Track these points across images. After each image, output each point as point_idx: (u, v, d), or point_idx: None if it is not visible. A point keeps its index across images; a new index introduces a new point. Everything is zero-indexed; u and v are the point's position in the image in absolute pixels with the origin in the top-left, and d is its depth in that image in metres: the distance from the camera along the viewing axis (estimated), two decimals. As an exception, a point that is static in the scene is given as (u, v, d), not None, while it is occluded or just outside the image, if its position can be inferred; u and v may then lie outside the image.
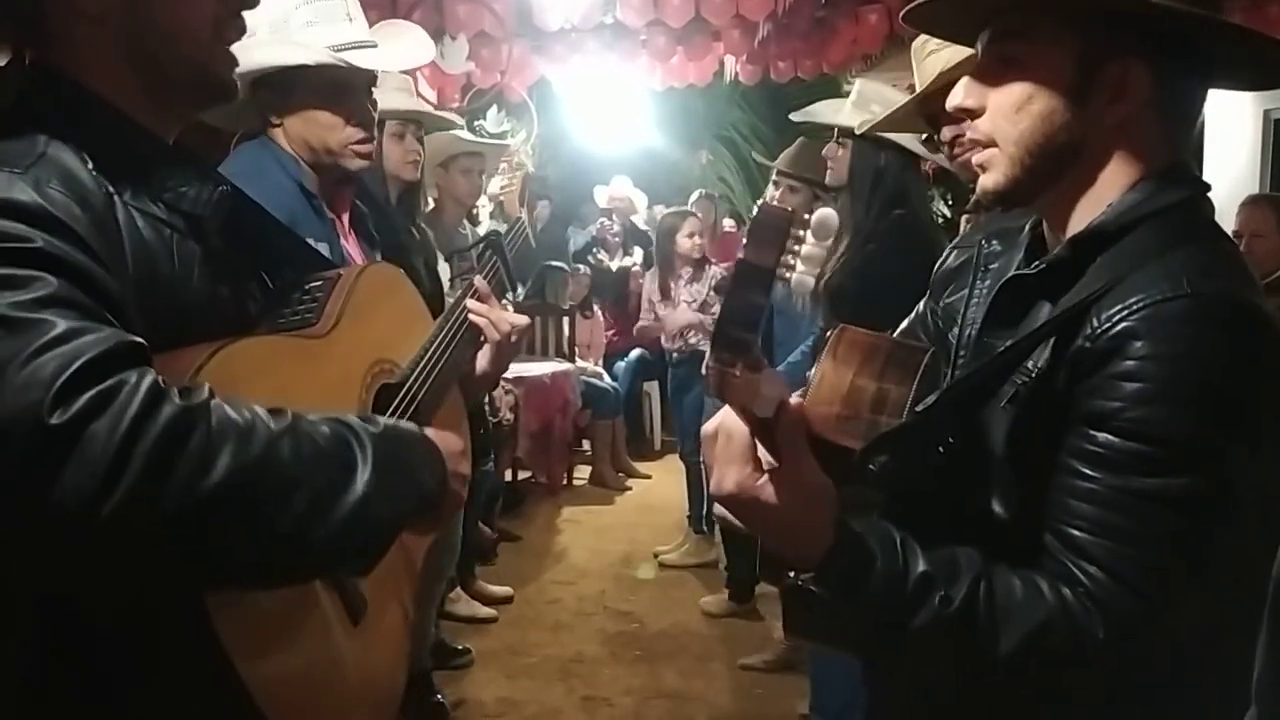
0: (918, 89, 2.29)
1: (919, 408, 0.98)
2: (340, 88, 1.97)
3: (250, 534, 0.92)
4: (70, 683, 1.00)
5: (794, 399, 0.93)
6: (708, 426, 0.96)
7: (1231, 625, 1.02)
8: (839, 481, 0.94)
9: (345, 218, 2.16)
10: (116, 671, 1.00)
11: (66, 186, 0.98)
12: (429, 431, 1.17)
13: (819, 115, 3.10)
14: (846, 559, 0.93)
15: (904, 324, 1.36)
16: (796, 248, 0.84)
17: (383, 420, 1.08)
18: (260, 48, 1.85)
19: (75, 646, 1.00)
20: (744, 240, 0.84)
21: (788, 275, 0.85)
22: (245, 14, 1.17)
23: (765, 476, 0.92)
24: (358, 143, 1.99)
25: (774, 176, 3.76)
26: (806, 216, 0.87)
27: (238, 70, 1.65)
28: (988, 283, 1.20)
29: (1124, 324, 0.95)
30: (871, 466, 0.93)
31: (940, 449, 1.00)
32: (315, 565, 1.03)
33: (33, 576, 0.97)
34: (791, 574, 0.94)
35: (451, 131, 3.70)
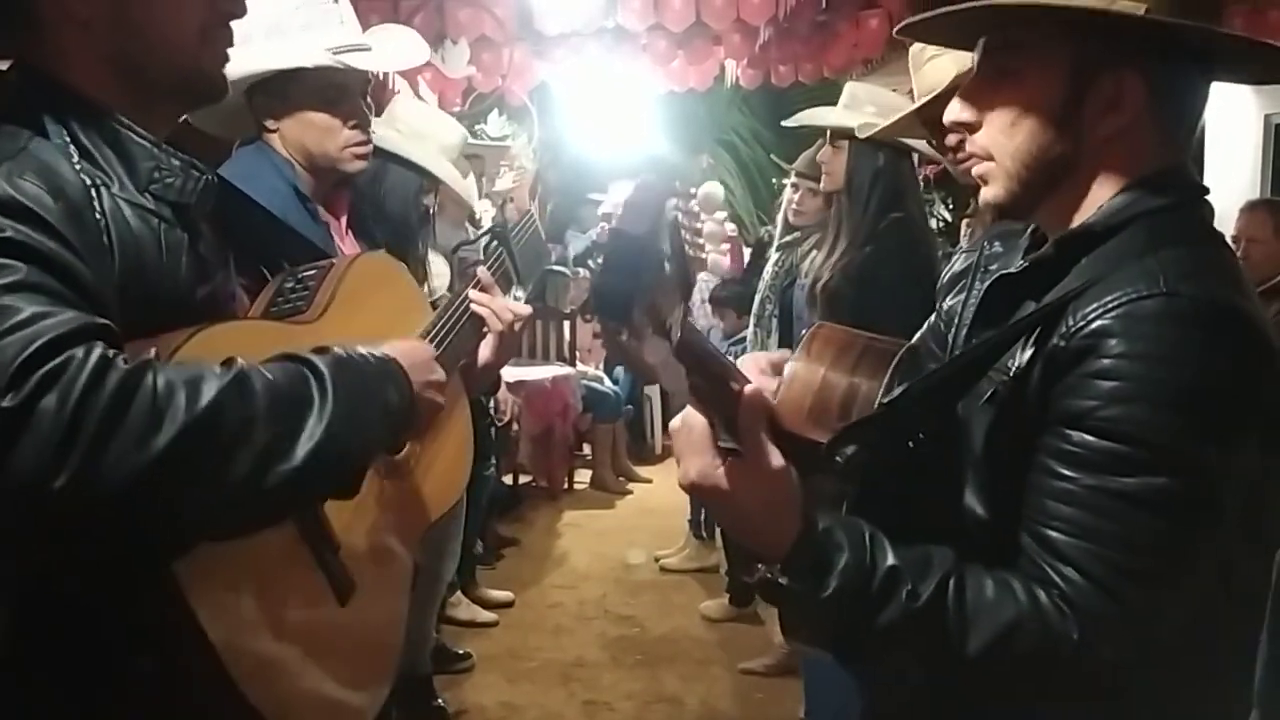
0: (916, 95, 2.29)
1: (885, 399, 0.98)
2: (336, 90, 1.98)
3: (210, 481, 0.94)
4: (50, 672, 1.02)
5: (751, 387, 0.92)
6: (674, 421, 0.96)
7: (1217, 627, 1.00)
8: (809, 475, 0.94)
9: (343, 220, 2.16)
10: (94, 655, 1.01)
11: (41, 178, 1.01)
12: (391, 347, 1.17)
13: (813, 120, 3.09)
14: (812, 551, 0.92)
15: (918, 336, 1.36)
16: (699, 225, 0.85)
17: (338, 348, 1.09)
18: (257, 52, 1.86)
19: (55, 635, 1.01)
20: (618, 212, 0.84)
21: (703, 256, 0.85)
22: (239, 20, 1.19)
23: (725, 466, 0.92)
24: (355, 145, 2.00)
25: (792, 179, 3.75)
26: (693, 191, 0.88)
27: (235, 74, 1.66)
28: (986, 284, 1.20)
29: (1099, 322, 0.94)
30: (838, 458, 0.93)
31: (911, 443, 0.99)
32: (285, 500, 1.04)
33: (12, 553, 0.99)
34: (761, 566, 0.94)
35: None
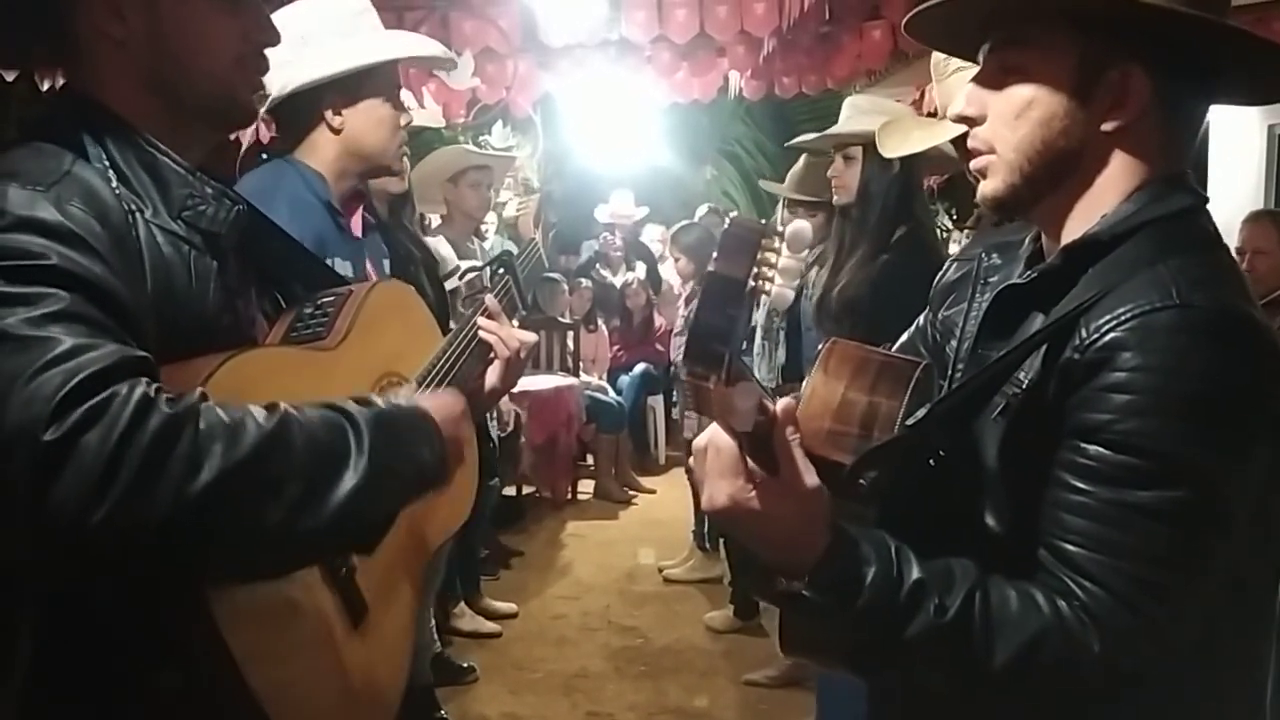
0: (939, 108, 2.29)
1: (909, 421, 0.98)
2: (398, 89, 2.03)
3: (242, 529, 0.95)
4: (72, 684, 1.03)
5: (784, 403, 0.92)
6: (697, 441, 0.95)
7: (1229, 636, 1.01)
8: (830, 497, 0.93)
9: (357, 234, 2.17)
10: (122, 675, 1.02)
11: (87, 204, 1.02)
12: (426, 401, 1.18)
13: (843, 129, 3.08)
14: (840, 564, 0.92)
15: (903, 337, 1.36)
16: (774, 260, 0.84)
17: (379, 401, 1.10)
18: (341, 48, 1.92)
19: (78, 648, 1.02)
20: (714, 253, 0.83)
21: (767, 288, 0.84)
22: (284, 22, 1.23)
23: (757, 489, 0.91)
24: (404, 141, 2.07)
25: (785, 204, 3.74)
26: (781, 229, 0.87)
27: (322, 72, 1.68)
28: (986, 295, 1.19)
29: (1113, 334, 0.95)
30: (862, 481, 0.93)
31: (931, 462, 0.99)
32: (312, 552, 1.05)
33: (39, 577, 1.00)
34: (784, 580, 0.93)
35: (459, 146, 3.72)
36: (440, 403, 1.20)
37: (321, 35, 1.91)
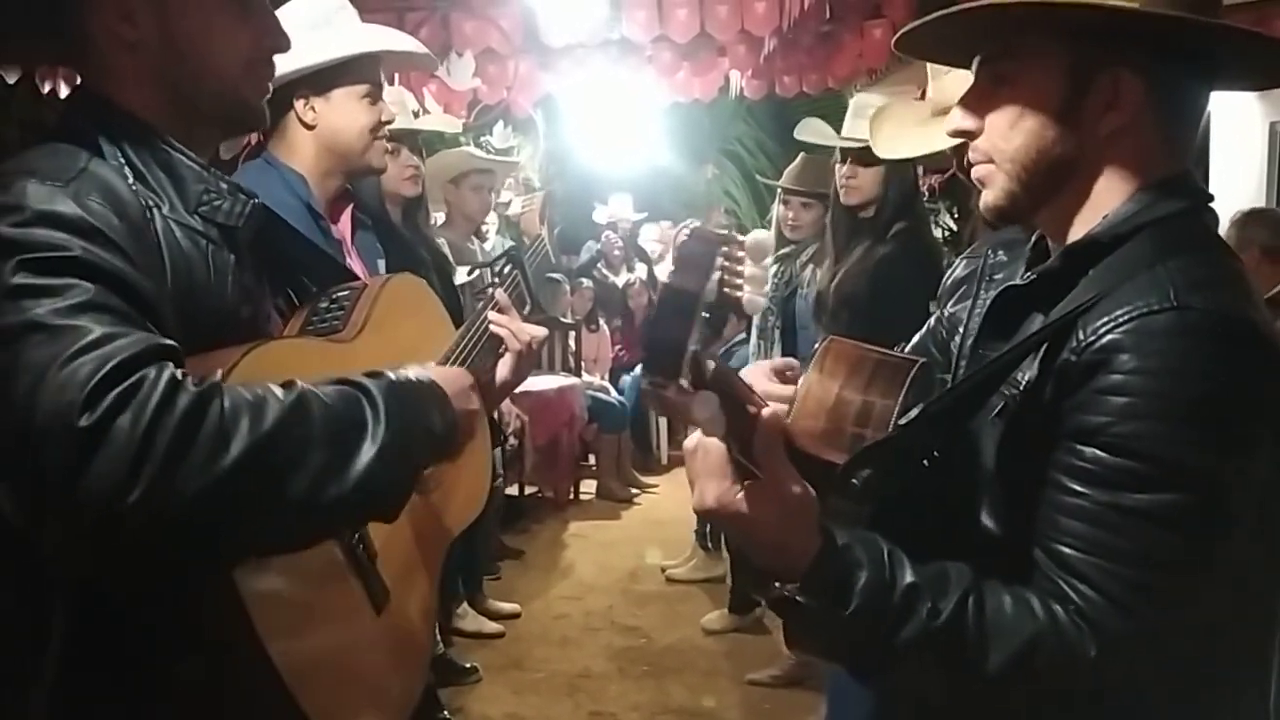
0: (933, 107, 2.31)
1: (901, 421, 0.98)
2: (377, 86, 2.03)
3: (268, 500, 0.97)
4: (103, 670, 1.04)
5: (767, 411, 0.92)
6: (688, 442, 0.96)
7: (1231, 637, 1.00)
8: (824, 496, 0.93)
9: (346, 237, 2.16)
10: (152, 663, 1.04)
11: (105, 199, 1.04)
12: (435, 373, 1.21)
13: (827, 134, 3.14)
14: (831, 569, 0.92)
15: (917, 336, 1.36)
16: (740, 269, 0.85)
17: (389, 372, 1.12)
18: (320, 41, 1.91)
19: (109, 635, 1.04)
20: (671, 266, 0.84)
21: (738, 295, 0.86)
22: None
23: (744, 490, 0.92)
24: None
25: (781, 196, 3.77)
26: (741, 239, 0.89)
27: (290, 66, 1.67)
28: (991, 293, 1.19)
29: (1109, 337, 0.94)
30: (854, 481, 0.93)
31: (925, 462, 0.99)
32: (336, 521, 1.07)
33: (69, 565, 1.01)
34: (777, 584, 0.94)
35: (462, 149, 3.72)
36: (448, 375, 1.23)
37: (293, 29, 1.91)
